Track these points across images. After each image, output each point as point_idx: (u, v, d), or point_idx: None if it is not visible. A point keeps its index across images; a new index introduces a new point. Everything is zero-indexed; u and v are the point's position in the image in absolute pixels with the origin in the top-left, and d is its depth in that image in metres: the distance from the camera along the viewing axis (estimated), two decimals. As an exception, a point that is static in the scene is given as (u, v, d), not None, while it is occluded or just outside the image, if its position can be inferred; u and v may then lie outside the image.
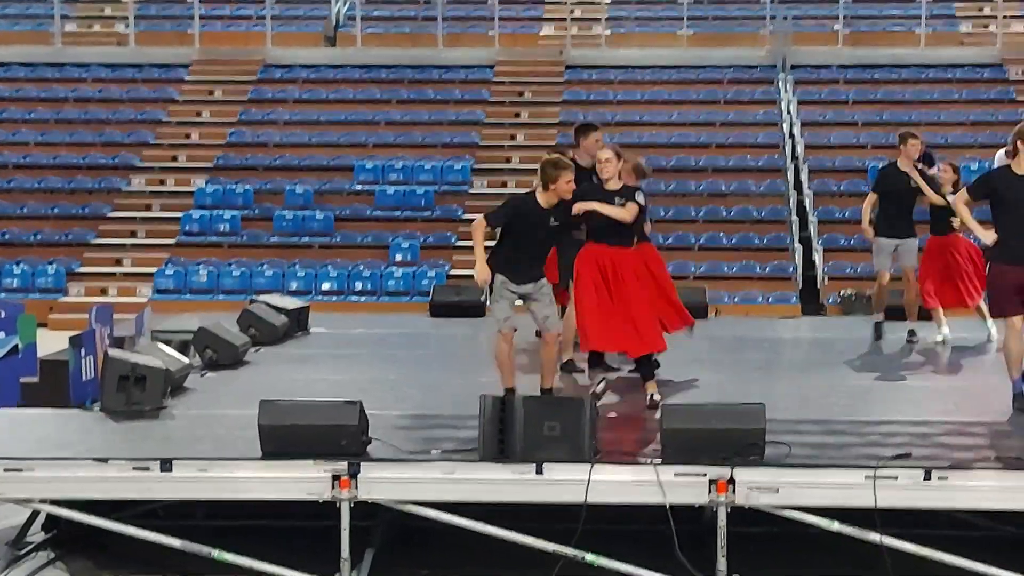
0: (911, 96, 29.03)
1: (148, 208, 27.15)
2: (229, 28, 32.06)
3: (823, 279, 24.13)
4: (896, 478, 8.29)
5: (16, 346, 13.88)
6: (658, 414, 8.87)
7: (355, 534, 8.47)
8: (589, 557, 8.36)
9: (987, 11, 31.45)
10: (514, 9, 32.33)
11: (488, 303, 10.33)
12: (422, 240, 25.74)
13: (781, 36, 30.40)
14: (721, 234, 25.58)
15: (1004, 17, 30.51)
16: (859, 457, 8.67)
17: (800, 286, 24.21)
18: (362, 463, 8.48)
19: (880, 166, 14.31)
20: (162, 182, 27.78)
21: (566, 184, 9.93)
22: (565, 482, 8.40)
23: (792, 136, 28.21)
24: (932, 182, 13.48)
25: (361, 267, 25.04)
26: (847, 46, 30.29)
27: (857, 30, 31.00)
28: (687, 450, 8.42)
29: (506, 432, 8.51)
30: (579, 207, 10.04)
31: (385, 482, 8.48)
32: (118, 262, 25.88)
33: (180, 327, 14.01)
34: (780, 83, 29.73)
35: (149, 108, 29.70)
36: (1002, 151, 12.51)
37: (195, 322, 13.33)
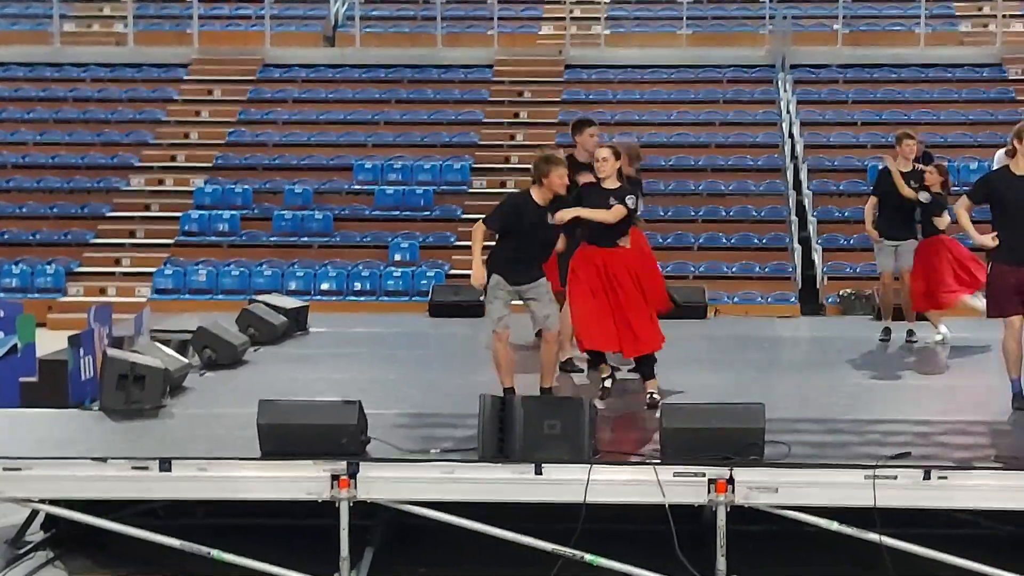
0: (911, 96, 29.01)
1: (147, 208, 27.13)
2: (228, 28, 32.05)
3: (822, 279, 24.12)
4: (895, 477, 8.30)
5: (15, 346, 13.88)
6: (657, 414, 8.87)
7: (354, 533, 8.47)
8: (588, 557, 8.36)
9: (987, 10, 31.44)
10: (513, 9, 32.31)
11: (486, 305, 10.28)
12: (421, 240, 25.73)
13: (780, 36, 30.39)
14: (720, 234, 25.57)
15: (1004, 17, 30.50)
16: (858, 457, 8.67)
17: (799, 286, 24.21)
18: (361, 463, 8.48)
19: (880, 167, 14.31)
20: (161, 182, 27.76)
21: (558, 179, 9.93)
22: (564, 482, 8.40)
23: (791, 136, 28.20)
24: (918, 178, 13.51)
25: (360, 267, 25.04)
26: (847, 46, 30.28)
27: (856, 30, 31.00)
28: (686, 450, 8.43)
29: (505, 432, 8.51)
30: (560, 216, 9.98)
31: (384, 481, 8.48)
32: (117, 262, 25.86)
33: (179, 327, 14.01)
34: (779, 83, 29.72)
35: (148, 108, 29.69)
36: (1002, 151, 12.49)
37: (194, 322, 13.34)
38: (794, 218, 25.80)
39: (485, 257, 10.02)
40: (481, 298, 15.75)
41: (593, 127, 11.76)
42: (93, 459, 8.63)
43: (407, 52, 30.82)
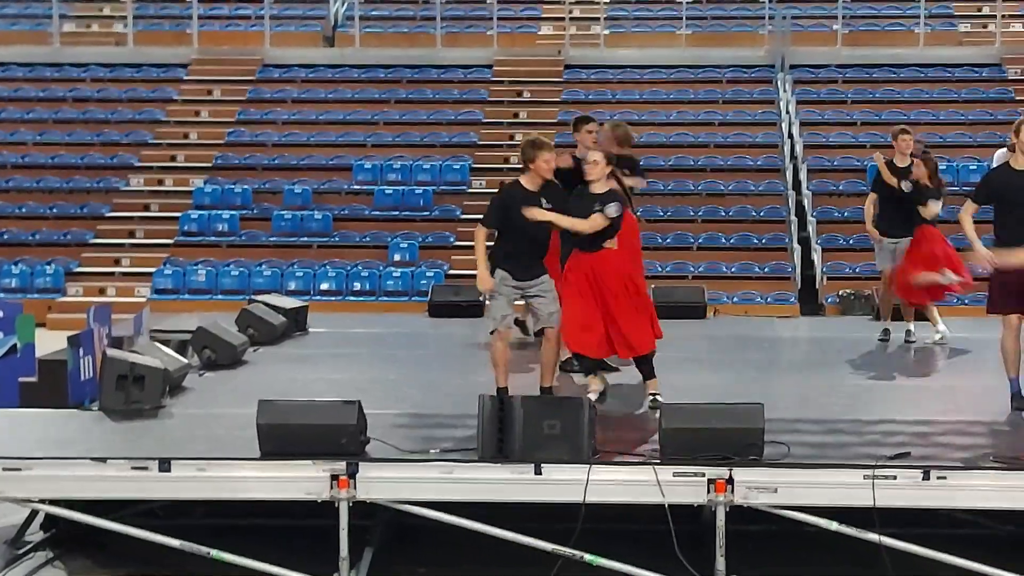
0: (910, 96, 29.01)
1: (146, 208, 27.13)
2: (227, 28, 32.04)
3: (822, 279, 24.12)
4: (895, 478, 8.30)
5: (15, 346, 13.89)
6: (657, 414, 8.87)
7: (353, 533, 8.47)
8: (588, 557, 8.37)
9: (986, 11, 31.44)
10: (512, 9, 32.31)
11: (487, 301, 10.27)
12: (421, 240, 25.73)
13: (780, 36, 30.39)
14: (720, 234, 25.57)
15: (1003, 17, 30.49)
16: (858, 457, 8.67)
17: (799, 286, 24.20)
18: (361, 463, 8.48)
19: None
20: (160, 182, 27.76)
21: (544, 163, 9.90)
22: (564, 482, 8.41)
23: (791, 136, 28.20)
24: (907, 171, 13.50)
25: (360, 267, 25.03)
26: (846, 46, 30.27)
27: (856, 30, 31.00)
28: (686, 450, 8.43)
29: (505, 432, 8.51)
30: (531, 214, 9.83)
31: (384, 482, 8.49)
32: (116, 262, 25.85)
33: (178, 327, 14.02)
34: (779, 83, 29.72)
35: (147, 108, 29.68)
36: (1001, 150, 12.52)
37: (194, 322, 13.34)
38: (793, 218, 25.80)
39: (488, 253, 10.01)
40: (481, 298, 15.86)
41: (592, 124, 11.79)
42: (93, 459, 8.63)
43: (406, 52, 30.82)
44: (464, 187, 27.06)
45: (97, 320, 13.29)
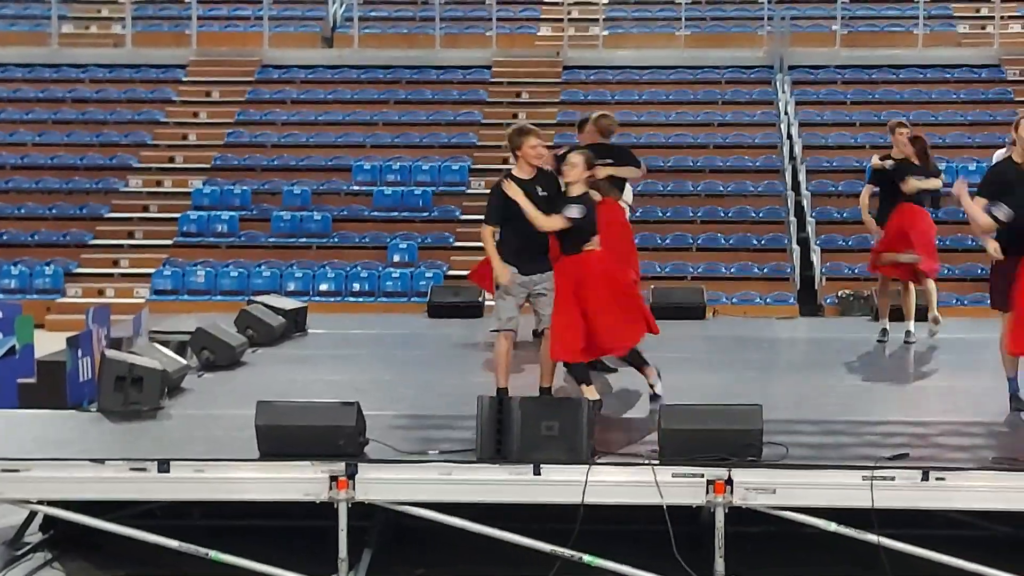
0: (909, 96, 29.02)
1: (146, 209, 27.13)
2: (226, 29, 32.04)
3: (821, 280, 24.13)
4: (893, 479, 8.30)
5: (13, 347, 13.88)
6: (656, 414, 8.87)
7: (352, 534, 8.47)
8: (587, 558, 8.36)
9: (984, 12, 31.45)
10: (511, 10, 32.31)
11: (494, 300, 10.20)
12: (420, 241, 25.73)
13: (779, 37, 30.40)
14: (719, 235, 25.58)
15: (1002, 18, 30.50)
16: (856, 458, 8.67)
17: (798, 287, 24.21)
18: (359, 464, 8.48)
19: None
20: (159, 183, 27.76)
21: (531, 149, 9.90)
22: (563, 483, 8.40)
23: (790, 137, 28.21)
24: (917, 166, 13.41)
25: (359, 268, 25.04)
26: (845, 47, 30.28)
27: (855, 31, 31.01)
28: (685, 451, 8.43)
29: (503, 432, 8.51)
30: (509, 191, 9.82)
31: (382, 483, 8.48)
32: (115, 263, 25.86)
33: (177, 328, 14.01)
34: (778, 84, 29.73)
35: (146, 109, 29.69)
36: (1000, 151, 12.48)
37: (192, 323, 13.33)
38: (793, 219, 25.80)
39: None
40: (480, 298, 15.86)
41: (590, 124, 11.86)
42: (91, 460, 8.63)
43: (405, 53, 30.82)
44: (463, 188, 27.06)
45: (96, 321, 13.29)
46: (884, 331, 13.96)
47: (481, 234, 10.01)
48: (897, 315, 13.98)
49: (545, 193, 9.89)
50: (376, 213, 26.60)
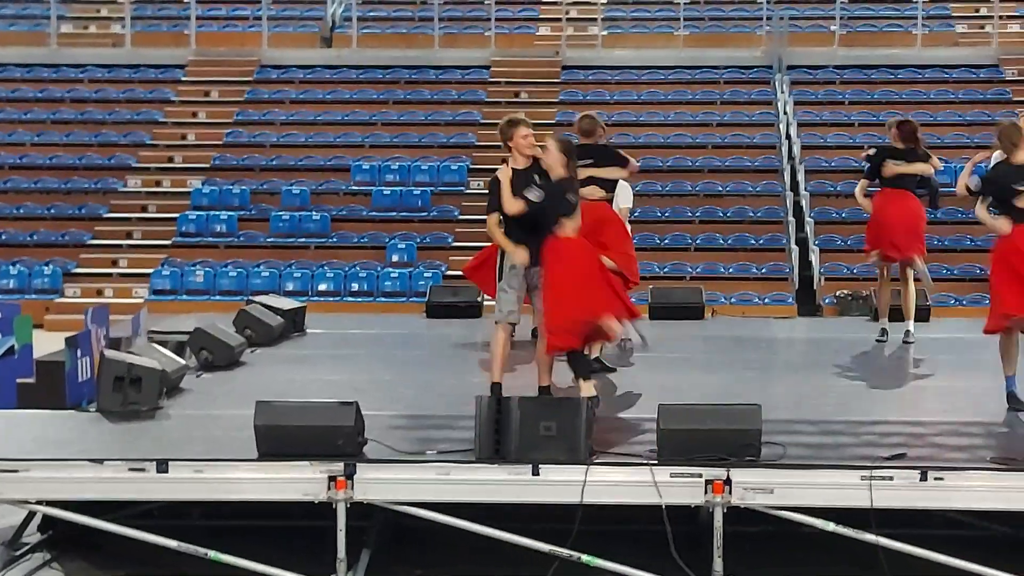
0: (907, 97, 29.01)
1: (144, 209, 27.12)
2: (225, 29, 32.04)
3: (819, 280, 24.13)
4: (892, 479, 8.30)
5: (12, 347, 13.89)
6: (655, 414, 8.86)
7: (351, 535, 8.47)
8: (585, 558, 8.37)
9: (983, 11, 31.46)
10: (510, 10, 32.31)
11: (498, 295, 10.15)
12: (419, 241, 25.73)
13: (777, 37, 30.40)
14: (718, 235, 25.58)
15: (1000, 18, 30.50)
16: (855, 458, 8.67)
17: (796, 287, 24.21)
18: (358, 464, 8.48)
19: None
20: (158, 183, 27.76)
21: (522, 139, 9.92)
22: (561, 483, 8.41)
23: (788, 137, 28.21)
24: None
25: (357, 268, 25.04)
26: (843, 47, 30.28)
27: (853, 31, 31.01)
28: (683, 451, 8.43)
29: (502, 432, 8.52)
30: (502, 178, 9.88)
31: (381, 483, 8.49)
32: (114, 263, 25.86)
33: (176, 328, 14.00)
34: (776, 84, 29.73)
35: (145, 109, 29.68)
36: (999, 151, 12.48)
37: (191, 323, 13.33)
38: (791, 219, 25.81)
39: None
40: (479, 299, 15.86)
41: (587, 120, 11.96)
42: (90, 460, 8.63)
43: (404, 53, 30.82)
44: (462, 188, 27.06)
45: (95, 321, 13.29)
46: (884, 331, 13.95)
47: (487, 224, 9.98)
48: (896, 315, 13.98)
49: (542, 183, 9.91)
50: (375, 213, 26.60)
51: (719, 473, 8.31)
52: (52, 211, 26.98)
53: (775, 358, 14.19)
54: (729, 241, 25.43)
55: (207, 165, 28.05)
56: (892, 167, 13.21)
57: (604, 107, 28.90)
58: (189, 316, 15.84)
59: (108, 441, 9.45)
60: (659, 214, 25.75)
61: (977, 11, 31.68)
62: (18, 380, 12.90)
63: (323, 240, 26.01)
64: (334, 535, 8.42)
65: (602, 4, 31.93)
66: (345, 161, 27.77)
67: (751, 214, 26.08)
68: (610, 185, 11.92)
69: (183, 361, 11.75)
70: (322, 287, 24.64)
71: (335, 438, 8.57)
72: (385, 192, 26.86)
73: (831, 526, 8.39)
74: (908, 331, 13.80)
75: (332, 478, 8.40)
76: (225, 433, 9.42)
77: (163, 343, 12.37)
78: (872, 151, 13.49)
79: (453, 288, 17.41)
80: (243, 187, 27.05)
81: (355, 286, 24.71)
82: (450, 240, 25.67)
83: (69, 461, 8.68)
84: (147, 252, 25.87)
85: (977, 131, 27.39)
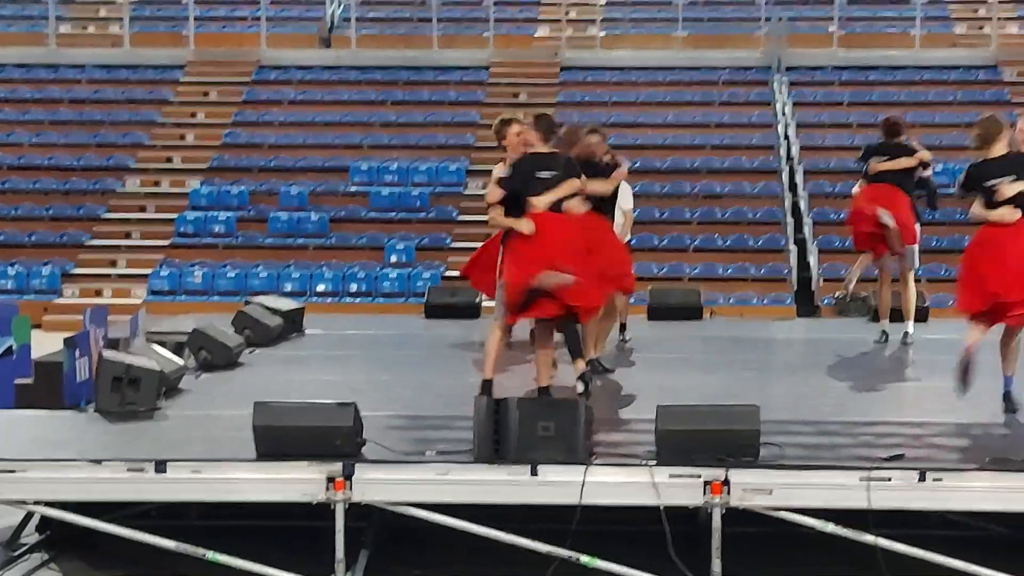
0: (906, 98, 29.04)
1: (143, 209, 27.14)
2: (224, 29, 32.06)
3: (818, 281, 24.14)
4: (890, 479, 8.30)
5: (10, 347, 13.90)
6: (654, 415, 8.86)
7: (349, 535, 8.47)
8: (584, 558, 8.36)
9: (981, 13, 31.49)
10: (509, 11, 32.34)
11: (498, 293, 10.14)
12: (417, 241, 25.74)
13: (776, 38, 30.42)
14: (716, 236, 25.59)
15: (998, 19, 30.53)
16: (853, 458, 8.67)
17: (795, 288, 24.23)
18: (357, 464, 8.47)
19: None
20: (157, 183, 27.77)
21: (515, 136, 9.96)
22: (560, 483, 8.40)
23: (787, 138, 28.22)
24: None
25: (356, 268, 25.04)
26: (842, 48, 30.31)
27: (852, 32, 31.03)
28: (682, 451, 8.42)
29: (501, 433, 8.51)
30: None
31: (379, 483, 8.48)
32: (113, 263, 25.87)
33: (175, 328, 13.99)
34: (775, 85, 29.74)
35: (144, 109, 29.69)
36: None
37: (190, 323, 13.32)
38: (790, 220, 25.83)
39: None
40: (477, 300, 15.86)
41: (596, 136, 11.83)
42: (88, 461, 8.62)
43: (403, 54, 30.83)
44: (461, 188, 27.08)
45: (93, 321, 13.28)
46: (884, 332, 13.95)
47: (489, 213, 9.96)
48: (895, 316, 13.98)
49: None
50: (373, 214, 26.61)
51: (717, 474, 8.30)
52: (51, 211, 26.99)
53: (773, 359, 14.19)
54: (728, 242, 25.44)
55: (206, 166, 28.06)
56: (875, 164, 13.30)
57: (603, 108, 28.93)
58: (188, 316, 15.83)
59: (106, 441, 9.44)
60: (657, 215, 25.76)
61: (976, 12, 31.71)
62: (16, 380, 12.89)
63: (322, 241, 26.02)
64: (332, 536, 8.41)
65: (601, 5, 31.94)
66: (344, 162, 27.78)
67: (749, 215, 26.09)
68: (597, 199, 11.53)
69: (181, 362, 11.74)
70: (321, 288, 24.64)
71: (333, 439, 8.56)
72: (384, 193, 26.87)
73: (829, 527, 8.39)
74: (907, 332, 13.80)
75: (330, 479, 8.39)
76: (223, 433, 9.41)
77: (161, 343, 12.36)
78: (861, 152, 13.58)
79: (452, 289, 17.41)
80: (242, 188, 27.06)
81: (354, 287, 24.72)
82: (449, 241, 25.67)
83: (67, 462, 8.67)
84: (146, 252, 25.89)
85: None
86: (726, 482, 8.29)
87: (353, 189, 27.27)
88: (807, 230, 25.51)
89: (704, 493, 8.30)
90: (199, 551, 8.51)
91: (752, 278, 24.48)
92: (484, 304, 15.44)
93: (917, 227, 13.67)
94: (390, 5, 32.88)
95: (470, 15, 32.39)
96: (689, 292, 17.11)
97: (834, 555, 8.76)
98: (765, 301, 23.53)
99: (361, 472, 8.43)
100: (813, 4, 31.91)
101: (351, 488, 8.40)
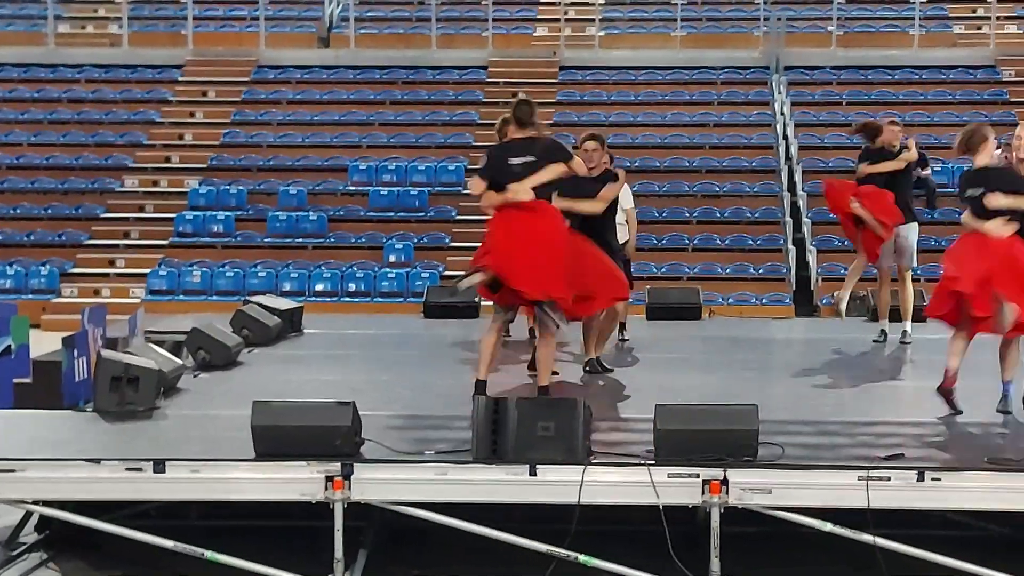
0: (904, 97, 29.04)
1: (141, 209, 27.12)
2: (222, 29, 32.04)
3: (817, 280, 24.14)
4: (889, 479, 8.30)
5: (9, 347, 13.88)
6: (652, 414, 8.87)
7: (348, 535, 8.47)
8: (582, 558, 8.36)
9: (980, 12, 31.48)
10: (508, 10, 32.33)
11: (482, 302, 10.22)
12: (416, 241, 25.73)
13: (775, 37, 30.42)
14: (715, 235, 25.59)
15: (997, 18, 30.53)
16: (852, 458, 8.67)
17: (794, 287, 24.22)
18: (355, 464, 8.47)
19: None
20: (155, 183, 27.76)
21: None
22: (559, 483, 8.40)
23: (786, 137, 28.22)
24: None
25: (355, 268, 25.03)
26: (840, 47, 30.30)
27: (850, 31, 31.03)
28: (680, 451, 8.42)
29: (499, 433, 8.51)
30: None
31: (378, 483, 8.47)
32: (111, 263, 25.86)
33: (173, 328, 14.01)
34: (774, 84, 29.74)
35: (142, 109, 29.68)
36: (996, 151, 12.47)
37: (188, 323, 13.32)
38: (788, 219, 25.82)
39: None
40: (476, 299, 15.85)
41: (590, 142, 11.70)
42: (87, 460, 8.61)
43: (402, 53, 30.82)
44: (459, 188, 27.04)
45: (92, 321, 13.29)
46: (883, 332, 13.97)
47: (485, 201, 9.99)
48: (894, 316, 14.00)
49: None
50: (372, 213, 26.60)
51: (716, 473, 8.31)
52: (49, 211, 26.98)
53: (772, 358, 14.20)
54: (726, 241, 25.44)
55: (204, 165, 28.05)
56: (862, 168, 13.48)
57: (601, 108, 28.94)
58: (186, 316, 15.84)
59: (105, 441, 9.44)
60: (656, 214, 25.75)
61: (974, 12, 31.71)
62: (15, 380, 12.88)
63: (320, 240, 26.01)
64: (331, 535, 8.41)
65: (599, 5, 31.94)
66: (342, 161, 27.77)
67: (748, 215, 26.08)
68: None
69: (180, 361, 11.74)
70: (319, 287, 24.63)
71: (332, 438, 8.56)
72: (382, 192, 26.86)
73: (828, 526, 8.39)
74: (905, 331, 13.83)
75: (329, 478, 8.39)
76: (222, 433, 9.41)
77: (160, 343, 12.37)
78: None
79: (451, 288, 17.39)
80: (240, 187, 27.05)
81: (352, 286, 24.71)
82: (447, 240, 25.67)
83: (66, 461, 8.67)
84: (144, 252, 25.87)
85: (974, 132, 27.38)
86: (725, 481, 8.29)
87: (352, 189, 27.26)
88: (806, 230, 25.50)
89: (703, 492, 8.30)
90: (198, 551, 8.51)
91: (751, 278, 24.47)
92: (483, 304, 15.44)
93: (914, 225, 13.75)
94: (389, 5, 32.87)
95: (469, 15, 32.38)
96: (688, 292, 17.12)
97: (833, 555, 8.76)
98: (764, 301, 23.52)
99: (360, 472, 8.43)
100: (812, 4, 31.91)
101: (350, 488, 8.40)
